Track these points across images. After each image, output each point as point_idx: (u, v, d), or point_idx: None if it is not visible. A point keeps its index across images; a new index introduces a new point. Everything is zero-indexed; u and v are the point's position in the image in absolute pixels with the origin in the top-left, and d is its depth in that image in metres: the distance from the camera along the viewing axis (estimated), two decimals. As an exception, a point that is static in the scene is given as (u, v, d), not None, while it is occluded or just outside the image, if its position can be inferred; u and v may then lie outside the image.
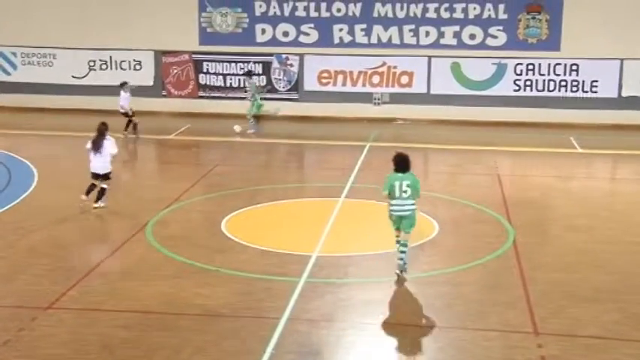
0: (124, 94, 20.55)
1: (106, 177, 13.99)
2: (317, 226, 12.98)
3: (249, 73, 22.89)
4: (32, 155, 17.77)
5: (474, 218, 13.87)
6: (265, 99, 23.47)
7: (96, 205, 13.89)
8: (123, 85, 20.75)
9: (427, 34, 23.78)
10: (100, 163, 13.89)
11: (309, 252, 11.65)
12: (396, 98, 24.06)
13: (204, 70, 24.28)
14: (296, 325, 9.19)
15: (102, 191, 13.94)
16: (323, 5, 23.80)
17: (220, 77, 24.25)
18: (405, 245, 10.72)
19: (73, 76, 24.21)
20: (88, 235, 12.65)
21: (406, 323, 9.50)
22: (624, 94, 23.31)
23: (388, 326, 9.35)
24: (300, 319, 9.33)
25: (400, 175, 10.66)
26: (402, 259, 10.68)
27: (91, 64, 24.14)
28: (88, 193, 13.86)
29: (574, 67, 23.32)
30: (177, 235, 12.58)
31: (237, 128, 21.31)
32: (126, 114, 20.40)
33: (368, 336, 9.14)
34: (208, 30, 24.06)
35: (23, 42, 23.91)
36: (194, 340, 8.75)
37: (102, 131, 14.03)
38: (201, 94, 24.34)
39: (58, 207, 14.07)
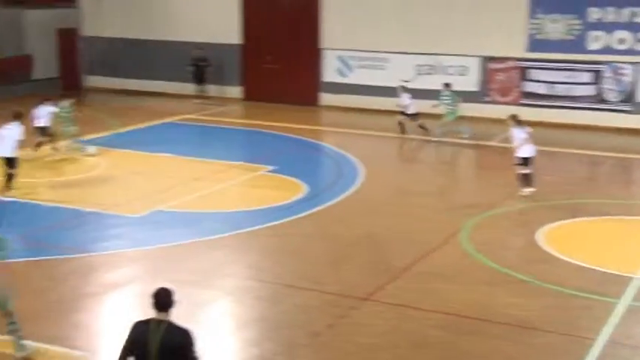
0: (406, 95, 21.11)
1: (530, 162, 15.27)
2: (643, 247, 12.17)
3: (447, 85, 21.86)
4: (360, 153, 18.84)
5: None
6: (594, 109, 22.49)
7: (529, 190, 15.10)
8: (404, 86, 21.37)
9: None
10: (532, 148, 15.22)
11: (632, 273, 10.97)
12: None
13: (530, 78, 23.84)
14: (617, 349, 8.72)
15: (528, 177, 15.18)
16: (666, 11, 22.12)
17: (545, 85, 23.67)
18: None
19: (402, 80, 25.19)
20: (406, 234, 13.11)
21: None
22: None
23: None
24: (621, 344, 8.84)
25: None
26: None
27: (419, 68, 24.91)
28: (526, 184, 15.09)
29: None
30: (492, 242, 12.57)
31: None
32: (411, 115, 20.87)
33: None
34: (537, 37, 23.59)
35: (359, 47, 25.38)
36: (505, 351, 8.71)
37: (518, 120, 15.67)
38: (524, 101, 23.94)
39: (379, 204, 14.80)
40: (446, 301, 10.16)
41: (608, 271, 11.12)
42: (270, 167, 17.30)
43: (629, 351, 8.71)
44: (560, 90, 23.43)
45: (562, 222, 13.56)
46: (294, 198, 15.08)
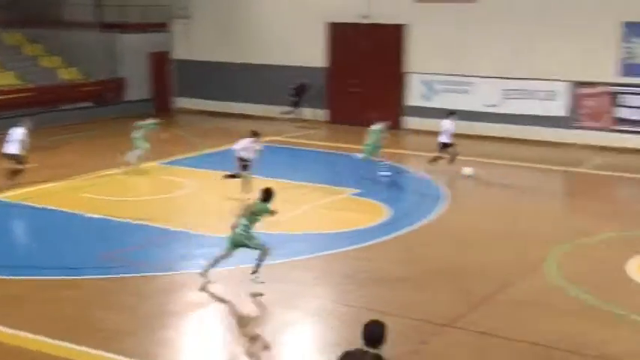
0: (451, 123, 19.82)
1: None
2: None
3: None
4: (445, 179, 18.65)
5: None
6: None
7: None
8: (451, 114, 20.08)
9: None
10: None
11: None
12: None
13: (622, 103, 23.21)
14: None
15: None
16: None
17: (639, 111, 23.02)
18: None
19: (484, 104, 24.86)
20: (491, 262, 12.91)
21: None
22: None
23: None
24: None
25: None
26: None
27: (505, 93, 24.51)
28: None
29: None
30: (579, 272, 12.24)
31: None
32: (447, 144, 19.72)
33: None
34: (629, 62, 22.97)
35: (444, 70, 25.19)
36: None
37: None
38: (616, 127, 23.31)
39: (463, 230, 14.64)
40: (531, 331, 9.93)
41: None
42: (355, 190, 17.33)
43: None
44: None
45: (654, 253, 13.12)
46: (378, 222, 15.06)
